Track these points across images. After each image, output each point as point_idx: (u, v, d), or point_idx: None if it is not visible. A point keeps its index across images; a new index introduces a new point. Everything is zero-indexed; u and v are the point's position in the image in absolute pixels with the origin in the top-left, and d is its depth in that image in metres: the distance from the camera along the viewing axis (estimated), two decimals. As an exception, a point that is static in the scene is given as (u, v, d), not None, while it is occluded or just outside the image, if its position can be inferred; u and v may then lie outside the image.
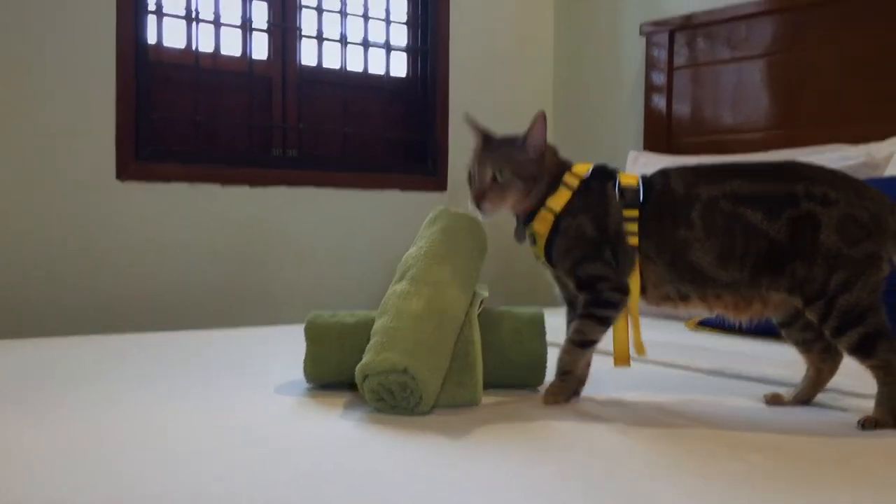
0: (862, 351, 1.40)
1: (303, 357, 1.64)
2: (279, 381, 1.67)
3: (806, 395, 1.56)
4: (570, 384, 1.53)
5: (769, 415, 1.50)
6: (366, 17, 3.32)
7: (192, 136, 2.96)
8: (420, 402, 1.41)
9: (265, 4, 3.11)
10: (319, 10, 3.21)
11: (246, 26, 3.05)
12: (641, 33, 3.35)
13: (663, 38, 3.27)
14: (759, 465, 1.18)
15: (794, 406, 1.55)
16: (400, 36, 3.46)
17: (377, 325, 1.51)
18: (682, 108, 3.24)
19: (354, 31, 3.31)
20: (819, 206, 1.43)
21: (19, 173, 2.63)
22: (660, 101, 3.28)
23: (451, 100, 3.46)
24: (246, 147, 3.09)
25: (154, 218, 2.84)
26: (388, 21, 3.38)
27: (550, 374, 1.64)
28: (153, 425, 1.36)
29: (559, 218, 1.52)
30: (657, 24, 3.29)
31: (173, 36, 2.93)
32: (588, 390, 1.60)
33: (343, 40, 3.26)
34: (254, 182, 3.02)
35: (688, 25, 3.19)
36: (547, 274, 1.62)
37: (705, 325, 2.44)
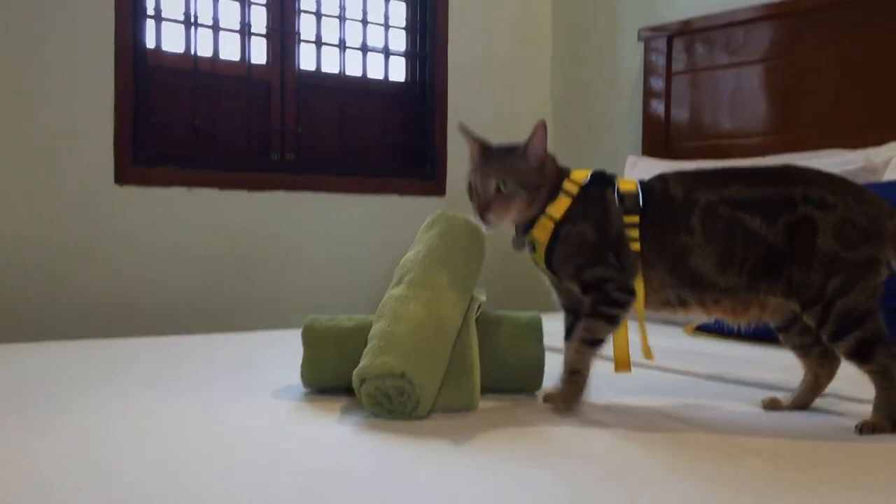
0: (859, 356, 1.40)
1: (300, 361, 1.63)
2: (276, 385, 1.67)
3: (804, 400, 1.56)
4: (580, 385, 1.51)
5: (767, 420, 1.49)
6: (364, 21, 3.32)
7: (190, 141, 2.96)
8: (417, 406, 1.41)
9: (264, 9, 3.11)
10: (318, 14, 3.21)
11: (245, 31, 3.06)
12: (640, 39, 3.35)
13: (661, 43, 3.27)
14: (757, 469, 1.18)
15: (792, 411, 1.54)
16: (399, 41, 3.46)
17: (374, 329, 1.51)
18: (680, 114, 3.24)
19: (353, 36, 3.31)
20: (817, 211, 1.43)
21: (18, 177, 2.62)
22: (658, 107, 3.29)
23: (449, 105, 3.47)
24: (244, 151, 3.09)
25: (152, 222, 2.84)
26: (386, 26, 3.39)
27: (548, 378, 1.64)
28: (151, 429, 1.36)
29: (559, 225, 1.52)
30: (655, 29, 3.29)
31: (172, 40, 2.93)
32: (588, 394, 1.60)
33: (342, 45, 3.27)
34: (252, 186, 3.02)
35: (686, 31, 3.19)
36: (545, 280, 1.62)
37: (703, 330, 2.43)
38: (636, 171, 3.01)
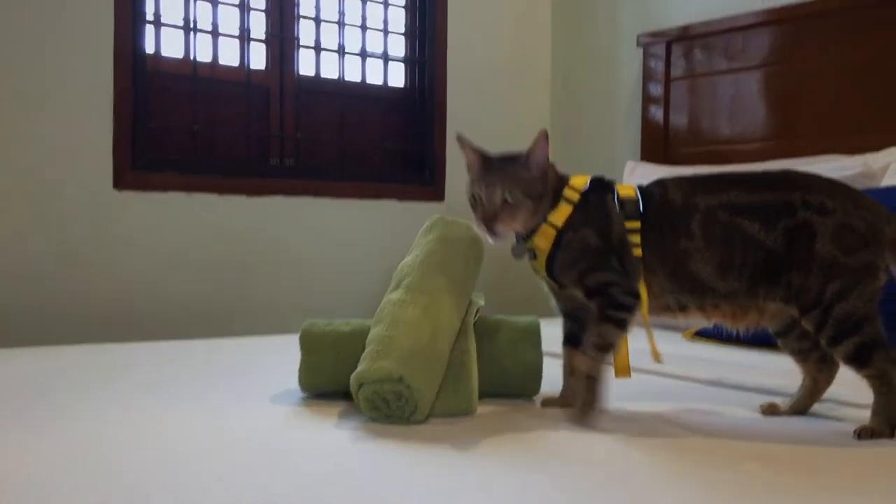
0: (858, 360, 1.39)
1: (298, 366, 1.63)
2: (274, 390, 1.67)
3: (802, 406, 1.55)
4: (597, 392, 1.46)
5: (766, 425, 1.49)
6: (364, 27, 3.33)
7: (189, 146, 2.96)
8: (415, 411, 1.41)
9: (263, 15, 3.11)
10: (317, 20, 3.21)
11: (244, 36, 3.06)
12: (639, 44, 3.35)
13: (660, 49, 3.28)
14: (755, 474, 1.17)
15: (790, 416, 1.54)
16: (398, 46, 3.46)
17: (372, 333, 1.50)
18: (679, 119, 3.24)
19: (352, 42, 3.32)
20: (815, 216, 1.43)
21: (17, 181, 2.62)
22: (657, 112, 3.29)
23: (448, 111, 3.47)
24: (243, 157, 3.09)
25: (151, 227, 2.84)
26: (385, 32, 3.39)
27: (546, 383, 1.64)
28: (149, 431, 1.36)
29: (561, 232, 1.51)
30: (654, 35, 3.30)
31: (171, 45, 2.93)
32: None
33: (341, 51, 3.27)
34: (251, 192, 3.02)
35: (685, 37, 3.20)
36: (544, 286, 1.61)
37: (702, 335, 2.43)
38: (635, 176, 3.01)
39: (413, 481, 1.12)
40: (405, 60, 3.47)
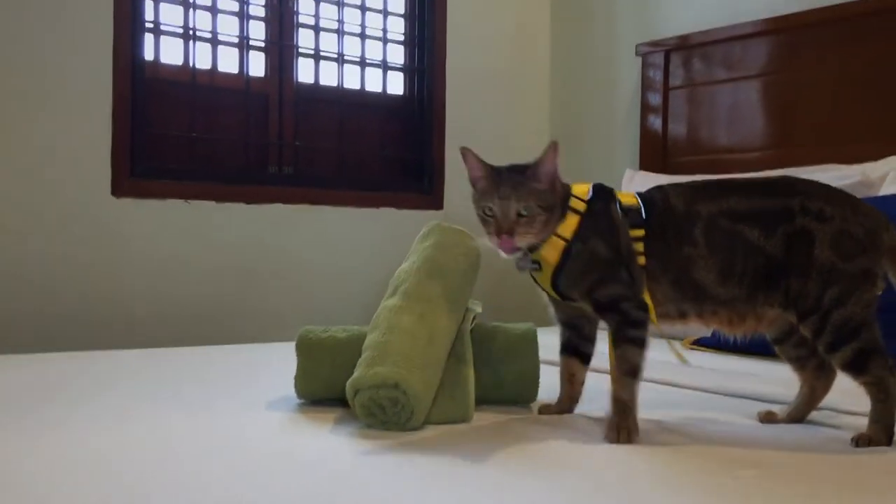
0: (855, 367, 1.39)
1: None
2: (271, 396, 1.66)
3: (800, 413, 1.55)
4: (633, 419, 1.40)
5: (763, 432, 1.49)
6: (363, 36, 3.33)
7: (188, 153, 2.96)
8: (411, 417, 1.40)
9: (262, 23, 3.12)
10: (316, 28, 3.22)
11: (243, 44, 3.06)
12: (637, 54, 3.36)
13: (659, 58, 3.28)
14: (752, 481, 1.17)
15: (788, 424, 1.53)
16: (397, 55, 3.47)
17: (369, 339, 1.50)
18: (677, 128, 3.25)
19: (351, 50, 3.32)
20: (814, 222, 1.43)
21: (15, 188, 2.62)
22: (655, 121, 3.29)
23: (447, 119, 3.47)
24: (242, 164, 3.09)
25: (149, 235, 2.84)
26: (385, 40, 3.40)
27: (543, 391, 1.64)
28: (147, 436, 1.36)
29: (569, 244, 1.47)
30: (653, 44, 3.30)
31: (170, 53, 2.94)
32: (584, 407, 1.59)
33: (340, 59, 3.27)
34: (249, 199, 3.02)
35: (683, 46, 3.20)
36: (543, 295, 1.58)
37: (700, 344, 2.43)
38: (633, 185, 3.01)
39: (409, 487, 1.12)
40: (404, 69, 3.47)
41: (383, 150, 3.40)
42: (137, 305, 2.80)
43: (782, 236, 1.43)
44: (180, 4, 2.92)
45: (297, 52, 3.18)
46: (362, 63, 3.33)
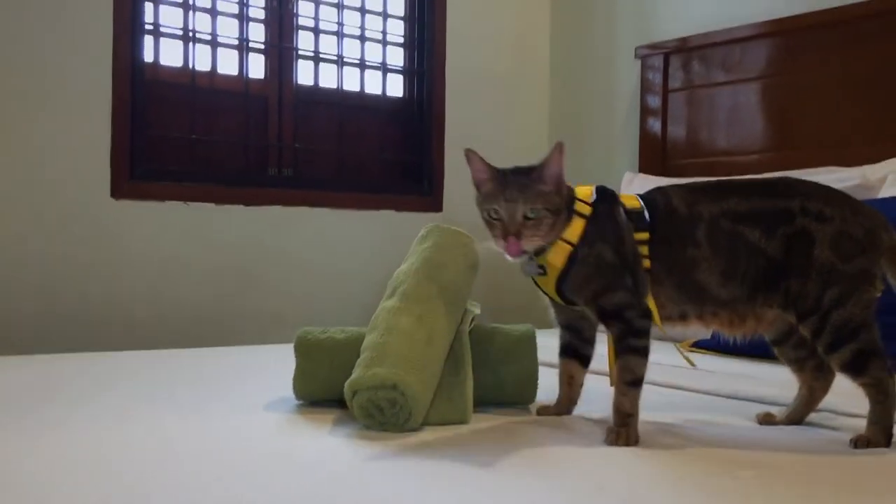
0: (854, 368, 1.39)
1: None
2: (269, 398, 1.66)
3: (798, 415, 1.55)
4: (634, 427, 1.39)
5: (762, 434, 1.48)
6: (362, 38, 3.34)
7: (187, 155, 2.96)
8: (409, 418, 1.40)
9: (262, 25, 3.12)
10: (316, 31, 3.22)
11: (243, 46, 3.07)
12: (637, 56, 3.36)
13: (658, 60, 3.29)
14: (751, 481, 1.17)
15: (786, 425, 1.53)
16: (396, 57, 3.47)
17: (367, 340, 1.50)
18: (676, 131, 3.25)
19: (351, 53, 3.32)
20: (814, 223, 1.43)
21: (14, 190, 2.63)
22: (655, 124, 3.29)
23: (447, 121, 3.47)
24: (241, 166, 3.09)
25: (148, 236, 2.84)
26: (384, 42, 3.40)
27: (541, 392, 1.64)
28: (146, 436, 1.36)
29: (575, 248, 1.45)
30: (652, 47, 3.31)
31: (170, 55, 2.94)
32: (582, 409, 1.59)
33: (339, 61, 3.28)
34: (249, 201, 3.02)
35: (683, 48, 3.21)
36: (544, 298, 1.57)
37: (699, 346, 2.43)
38: (633, 187, 3.01)
39: (408, 488, 1.12)
40: (404, 71, 3.47)
41: (383, 153, 3.40)
42: (137, 307, 2.80)
43: (782, 237, 1.43)
44: (180, 6, 2.93)
45: (297, 55, 3.19)
46: (362, 65, 3.34)
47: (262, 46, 3.12)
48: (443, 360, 1.50)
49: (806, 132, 2.88)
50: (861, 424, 1.40)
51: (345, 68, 3.29)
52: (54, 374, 1.92)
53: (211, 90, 3.00)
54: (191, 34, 2.95)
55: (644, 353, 1.44)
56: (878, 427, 1.37)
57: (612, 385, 1.53)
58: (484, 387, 1.58)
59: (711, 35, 3.11)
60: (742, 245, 1.45)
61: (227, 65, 3.05)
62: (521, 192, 1.42)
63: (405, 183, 3.46)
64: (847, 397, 1.51)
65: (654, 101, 3.29)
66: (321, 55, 3.24)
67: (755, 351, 2.02)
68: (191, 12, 2.94)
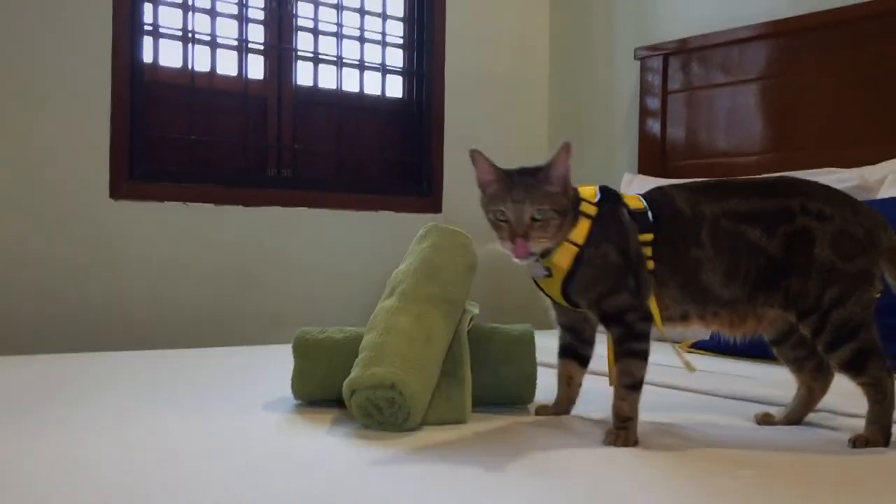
0: (854, 367, 1.39)
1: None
2: (268, 398, 1.66)
3: (797, 415, 1.55)
4: (633, 430, 1.38)
5: (761, 434, 1.48)
6: (362, 39, 3.34)
7: (186, 156, 2.96)
8: (408, 418, 1.40)
9: (261, 26, 3.12)
10: (315, 31, 3.22)
11: (242, 47, 3.07)
12: (636, 58, 3.36)
13: (658, 62, 3.29)
14: (749, 481, 1.17)
15: (785, 425, 1.53)
16: (396, 58, 3.47)
17: (365, 340, 1.50)
18: (676, 132, 3.25)
19: (350, 54, 3.32)
20: (814, 222, 1.43)
21: (13, 191, 2.63)
22: (654, 125, 3.30)
23: (446, 122, 3.48)
24: (241, 167, 3.09)
25: (148, 237, 2.84)
26: (383, 43, 3.40)
27: (540, 393, 1.63)
28: (145, 436, 1.36)
29: (582, 249, 1.44)
30: (651, 48, 3.31)
31: (169, 55, 2.94)
32: (581, 409, 1.59)
33: (339, 61, 3.28)
34: (248, 202, 3.02)
35: (682, 50, 3.21)
36: (544, 299, 1.56)
37: (698, 347, 2.43)
38: (632, 189, 3.00)
39: (406, 487, 1.11)
40: (403, 72, 3.48)
41: (382, 153, 3.40)
42: (136, 307, 2.80)
43: (783, 236, 1.43)
44: (179, 7, 2.93)
45: (296, 56, 3.19)
46: (361, 66, 3.34)
47: (262, 47, 3.12)
48: (441, 360, 1.50)
49: (805, 133, 2.88)
50: (860, 424, 1.40)
51: (344, 69, 3.29)
52: (54, 374, 1.92)
53: (210, 91, 3.00)
54: (190, 35, 2.95)
55: (644, 356, 1.43)
56: (876, 427, 1.37)
57: (610, 385, 1.53)
58: (482, 387, 1.58)
59: (711, 36, 3.11)
60: (744, 244, 1.44)
61: (227, 65, 3.06)
62: (528, 192, 1.41)
63: (404, 184, 3.46)
64: (846, 397, 1.51)
65: (654, 103, 3.29)
66: (320, 56, 3.24)
67: (754, 351, 2.01)
68: (190, 13, 2.94)
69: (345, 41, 3.29)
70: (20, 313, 2.62)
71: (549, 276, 1.47)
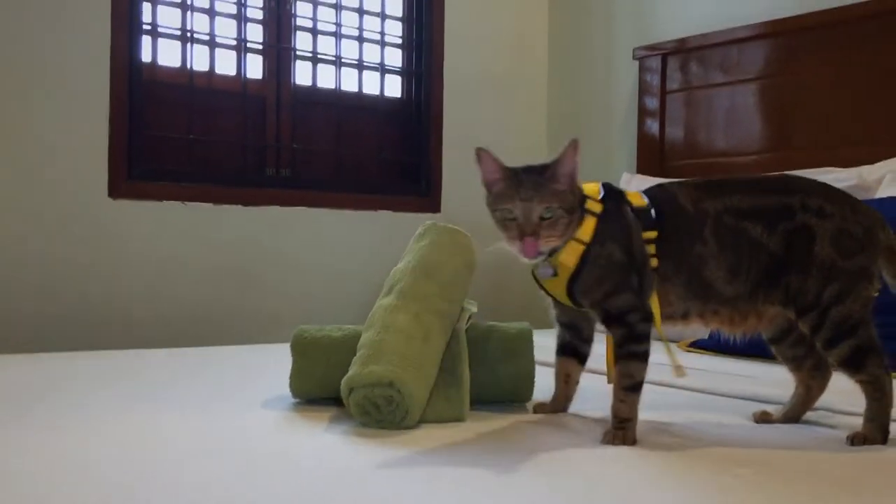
0: (852, 364, 1.39)
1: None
2: (267, 396, 1.66)
3: (795, 413, 1.55)
4: (632, 430, 1.38)
5: (760, 432, 1.48)
6: (360, 39, 3.34)
7: (185, 156, 2.96)
8: (406, 416, 1.40)
9: (260, 25, 3.12)
10: (314, 31, 3.23)
11: (241, 46, 3.07)
12: (635, 57, 3.37)
13: (656, 62, 3.29)
14: (747, 478, 1.17)
15: (783, 424, 1.53)
16: (395, 58, 3.47)
17: (363, 338, 1.50)
18: (674, 132, 3.25)
19: (349, 53, 3.32)
20: (815, 219, 1.43)
21: (13, 190, 2.62)
22: (653, 125, 3.30)
23: (445, 122, 3.48)
24: (239, 167, 3.09)
25: (146, 236, 2.84)
26: (382, 43, 3.40)
27: (538, 392, 1.63)
28: (145, 436, 1.37)
29: (588, 247, 1.43)
30: (650, 48, 3.31)
31: (168, 55, 2.94)
32: (579, 407, 1.59)
33: (338, 61, 3.28)
34: (247, 202, 3.02)
35: (681, 49, 3.21)
36: (545, 297, 1.56)
37: (697, 346, 2.43)
38: (631, 188, 2.98)
39: (405, 486, 1.11)
40: (402, 72, 3.48)
41: (381, 153, 3.40)
42: (135, 307, 2.80)
43: (783, 233, 1.43)
44: (178, 6, 2.93)
45: (295, 55, 3.19)
46: (360, 66, 3.34)
47: (261, 47, 3.12)
48: (439, 358, 1.50)
49: (803, 133, 2.88)
50: (858, 422, 1.41)
51: (343, 69, 3.29)
52: (54, 374, 1.92)
53: (209, 90, 3.00)
54: (189, 34, 2.95)
55: (644, 357, 1.43)
56: (874, 424, 1.38)
57: (609, 383, 1.53)
58: (481, 385, 1.58)
59: (709, 36, 3.11)
60: (745, 241, 1.44)
61: (225, 65, 3.06)
62: (537, 191, 1.39)
63: (403, 183, 3.46)
64: (844, 395, 1.52)
65: (652, 102, 3.29)
66: (319, 56, 3.24)
67: (752, 350, 2.02)
68: (189, 12, 2.94)
69: (344, 41, 3.29)
70: (20, 313, 2.62)
71: (556, 276, 1.46)
